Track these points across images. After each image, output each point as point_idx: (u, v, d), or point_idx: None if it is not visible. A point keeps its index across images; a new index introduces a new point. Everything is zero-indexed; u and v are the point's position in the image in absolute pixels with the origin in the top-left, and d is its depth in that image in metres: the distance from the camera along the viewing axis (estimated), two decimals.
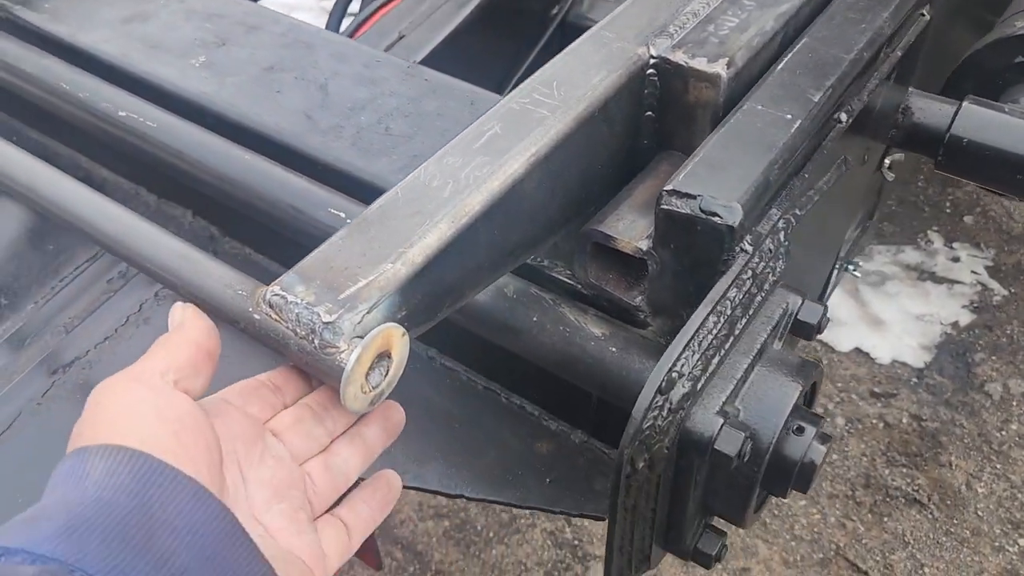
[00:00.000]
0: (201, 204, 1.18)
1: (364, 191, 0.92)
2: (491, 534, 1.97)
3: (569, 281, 0.82)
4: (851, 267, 1.25)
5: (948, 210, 2.65)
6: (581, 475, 0.92)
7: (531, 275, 0.83)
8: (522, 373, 0.96)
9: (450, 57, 1.49)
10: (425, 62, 1.40)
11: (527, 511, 2.01)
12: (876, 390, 2.22)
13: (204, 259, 0.64)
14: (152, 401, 0.52)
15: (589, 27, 0.84)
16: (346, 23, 1.70)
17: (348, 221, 0.84)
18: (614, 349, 0.76)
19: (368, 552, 1.16)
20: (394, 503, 0.67)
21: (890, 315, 2.38)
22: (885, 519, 1.97)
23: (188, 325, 0.58)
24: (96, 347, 1.08)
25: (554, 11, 1.69)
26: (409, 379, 1.01)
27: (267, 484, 0.57)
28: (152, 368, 0.54)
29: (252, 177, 0.93)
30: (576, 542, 1.95)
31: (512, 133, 0.71)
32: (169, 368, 0.55)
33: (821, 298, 1.23)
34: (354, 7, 1.84)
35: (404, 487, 0.93)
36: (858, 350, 2.31)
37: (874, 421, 2.15)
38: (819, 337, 2.30)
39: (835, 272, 1.21)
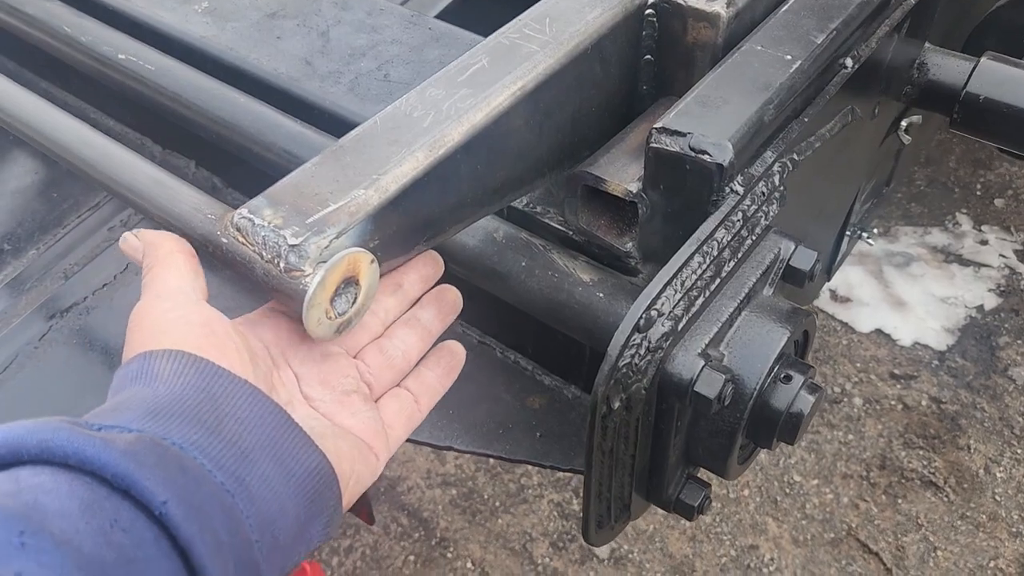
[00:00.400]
0: (204, 154, 1.17)
1: None
2: (498, 503, 1.96)
3: (561, 227, 0.80)
4: (864, 234, 1.21)
5: (979, 192, 2.59)
6: (572, 430, 0.91)
7: (522, 221, 0.82)
8: (517, 328, 0.95)
9: (464, 13, 1.47)
10: (440, 18, 1.38)
11: (535, 482, 2.00)
12: (896, 372, 2.17)
13: (175, 183, 0.63)
14: (178, 314, 0.55)
15: None
16: None
17: None
18: (602, 295, 0.74)
19: (363, 509, 1.15)
20: (458, 371, 0.69)
21: (913, 297, 2.33)
22: (899, 501, 1.93)
23: (157, 240, 0.59)
24: (94, 293, 1.08)
25: None
26: None
27: (318, 376, 0.61)
28: (168, 286, 0.57)
29: (247, 120, 0.92)
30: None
31: (499, 67, 0.69)
32: (180, 283, 0.57)
33: (831, 264, 1.20)
34: None
35: None
36: (879, 331, 2.27)
37: (892, 403, 2.11)
38: (839, 317, 2.27)
39: (847, 239, 1.18)
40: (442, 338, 0.99)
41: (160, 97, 0.99)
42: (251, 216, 0.56)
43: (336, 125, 0.94)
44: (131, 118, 1.22)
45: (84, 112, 1.25)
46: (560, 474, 2.05)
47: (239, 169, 1.10)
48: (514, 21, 0.74)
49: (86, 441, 0.44)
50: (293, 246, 0.54)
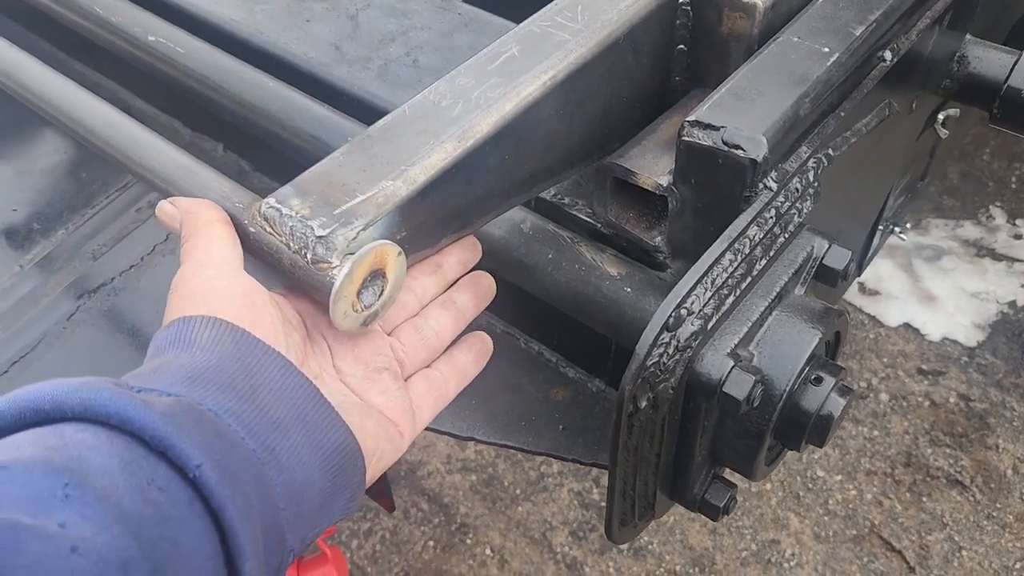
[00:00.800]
0: (231, 137, 1.17)
1: None
2: (518, 491, 1.96)
3: (589, 220, 0.79)
4: (897, 229, 1.19)
5: (1013, 185, 2.54)
6: (596, 424, 0.90)
7: (550, 212, 0.81)
8: (542, 319, 0.94)
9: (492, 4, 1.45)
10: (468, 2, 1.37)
11: (556, 471, 2.00)
12: (924, 367, 2.14)
13: (203, 170, 0.63)
14: (222, 282, 0.56)
15: None
16: None
17: None
18: (629, 290, 0.73)
19: (383, 495, 1.16)
20: (487, 359, 0.70)
21: (944, 291, 2.29)
22: (924, 499, 1.91)
23: (195, 208, 0.59)
24: (122, 274, 1.08)
25: None
26: None
27: (351, 350, 0.61)
28: (211, 255, 0.57)
29: (275, 105, 0.92)
30: (603, 503, 1.93)
31: (529, 56, 0.68)
32: (223, 252, 0.57)
33: (863, 258, 1.18)
34: None
35: None
36: (907, 325, 2.23)
37: (919, 399, 2.08)
38: (867, 310, 2.24)
39: (879, 233, 1.16)
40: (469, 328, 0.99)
41: (189, 80, 0.99)
42: (278, 206, 0.56)
43: (364, 111, 0.93)
44: (161, 100, 1.22)
45: (115, 93, 1.25)
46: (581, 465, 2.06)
47: (266, 153, 1.10)
48: (545, 9, 0.73)
49: (127, 402, 0.45)
50: (320, 237, 0.54)
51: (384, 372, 0.61)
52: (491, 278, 0.70)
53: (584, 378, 0.93)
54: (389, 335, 0.64)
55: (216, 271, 0.56)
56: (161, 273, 1.08)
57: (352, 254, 0.54)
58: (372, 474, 0.58)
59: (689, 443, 0.65)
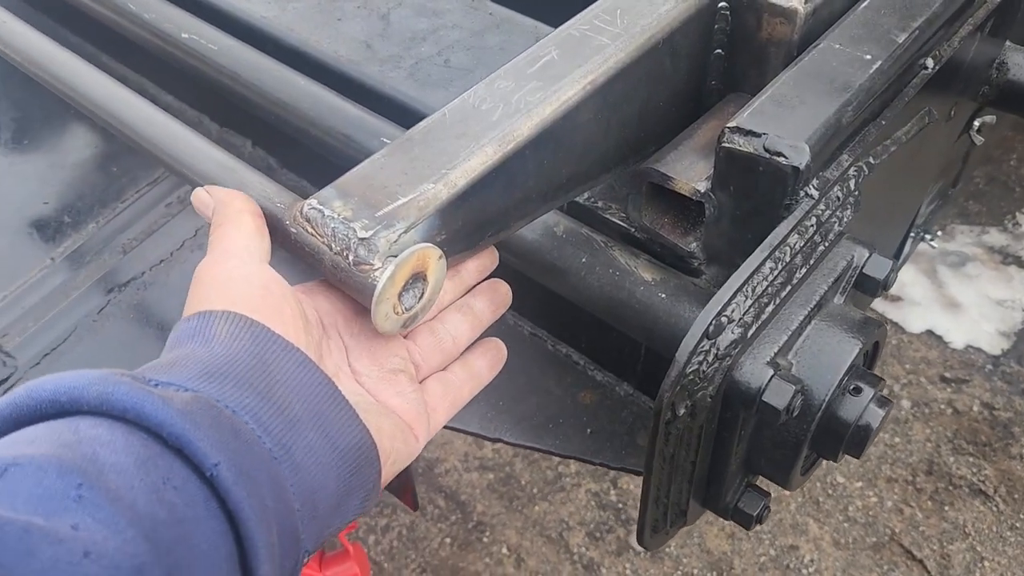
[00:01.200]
0: (260, 134, 1.17)
1: (418, 122, 0.90)
2: (535, 490, 1.96)
3: (623, 224, 0.79)
4: (928, 236, 1.18)
5: None
6: (624, 428, 0.90)
7: (583, 215, 0.80)
8: (571, 321, 0.94)
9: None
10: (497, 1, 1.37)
11: (573, 470, 1.99)
12: (947, 375, 2.12)
13: (245, 170, 0.63)
14: (242, 272, 0.55)
15: None
16: None
17: None
18: (663, 296, 0.73)
19: (407, 493, 1.16)
20: (501, 366, 0.70)
21: (968, 298, 2.27)
22: (946, 508, 1.90)
23: (228, 198, 0.59)
24: (151, 269, 1.09)
25: None
26: None
27: (368, 351, 0.61)
28: (236, 244, 0.57)
29: (306, 103, 0.92)
30: (620, 505, 1.93)
31: (569, 59, 0.67)
32: (248, 242, 0.57)
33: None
34: None
35: (443, 427, 0.93)
36: (931, 332, 2.22)
37: (942, 407, 2.07)
38: (890, 316, 2.22)
39: (910, 240, 1.15)
40: (493, 329, 0.98)
41: (220, 76, 0.99)
42: (321, 207, 0.56)
43: (395, 110, 0.93)
44: (190, 95, 1.23)
45: (144, 88, 1.25)
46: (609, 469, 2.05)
47: (295, 150, 1.10)
48: (584, 12, 0.73)
49: (145, 398, 0.45)
50: (363, 239, 0.54)
51: (400, 374, 0.61)
52: (508, 287, 0.70)
53: (612, 382, 0.93)
54: (405, 337, 0.64)
55: (239, 261, 0.56)
56: (190, 268, 1.08)
57: (394, 256, 0.54)
58: (386, 475, 0.58)
59: (725, 451, 0.65)
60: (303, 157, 1.12)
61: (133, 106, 0.72)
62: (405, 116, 0.92)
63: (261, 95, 0.96)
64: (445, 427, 0.92)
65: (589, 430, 0.90)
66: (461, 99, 0.65)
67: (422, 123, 0.63)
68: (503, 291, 0.70)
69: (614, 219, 0.79)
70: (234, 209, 0.59)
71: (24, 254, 1.11)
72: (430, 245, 0.56)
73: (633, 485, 1.95)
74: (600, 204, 0.80)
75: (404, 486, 1.13)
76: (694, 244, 0.73)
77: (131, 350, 1.02)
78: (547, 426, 0.91)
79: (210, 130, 1.21)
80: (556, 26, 1.02)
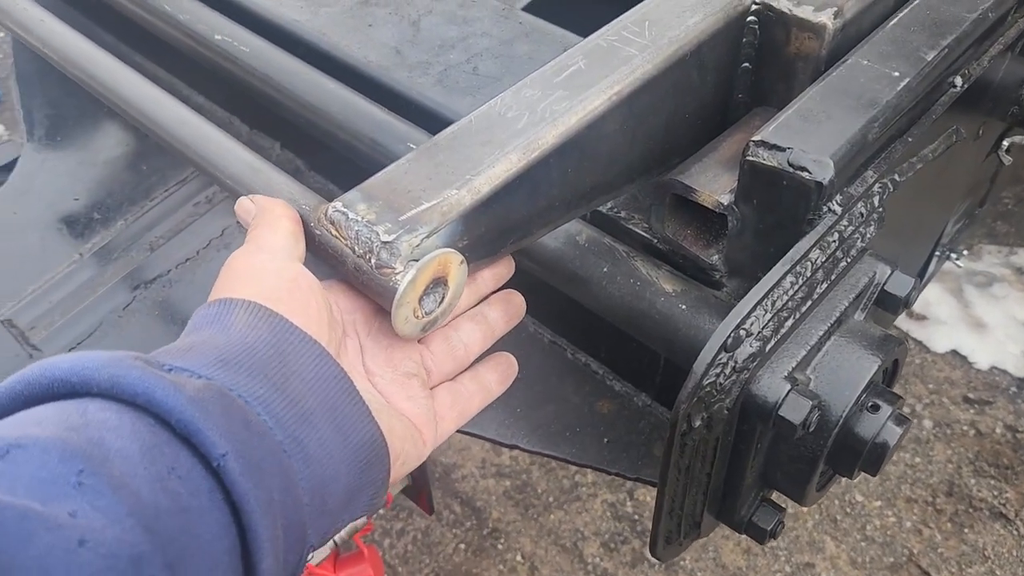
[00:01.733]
0: (289, 136, 1.19)
1: (444, 128, 0.91)
2: (551, 499, 1.96)
3: (645, 234, 0.79)
4: (954, 255, 1.17)
5: None
6: (641, 438, 0.89)
7: (606, 225, 0.81)
8: (591, 330, 0.94)
9: (551, 10, 1.46)
10: (527, 10, 1.38)
11: (590, 480, 1.99)
12: (970, 396, 2.10)
13: (272, 171, 0.64)
14: (273, 266, 0.56)
15: None
16: None
17: None
18: (684, 307, 0.73)
19: (422, 497, 1.16)
20: (511, 381, 0.70)
21: (994, 318, 2.24)
22: (965, 530, 1.87)
23: (270, 205, 0.60)
24: (177, 267, 1.10)
25: None
26: None
27: (383, 352, 0.61)
28: (269, 242, 0.58)
29: (335, 106, 0.93)
30: (636, 516, 1.92)
31: (596, 69, 0.68)
32: (283, 241, 0.58)
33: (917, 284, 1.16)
34: None
35: (460, 432, 0.93)
36: (955, 352, 2.19)
37: (964, 428, 2.04)
38: (914, 334, 2.20)
39: (935, 259, 1.14)
40: (512, 336, 0.99)
41: (252, 79, 1.01)
42: (345, 210, 0.57)
43: (422, 116, 0.94)
44: (221, 96, 1.24)
45: (175, 88, 1.27)
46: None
47: (323, 153, 1.11)
48: (612, 23, 0.73)
49: (156, 383, 0.44)
50: (385, 243, 0.54)
51: (413, 378, 0.61)
52: (522, 298, 0.70)
53: (630, 392, 0.93)
54: (420, 342, 0.64)
55: (271, 255, 0.56)
56: (216, 267, 1.09)
57: (416, 260, 0.54)
58: (395, 476, 0.58)
59: (740, 465, 0.65)
60: (331, 160, 1.13)
61: (165, 106, 0.73)
62: (432, 122, 0.93)
63: (291, 98, 0.97)
64: (462, 432, 0.93)
65: (606, 439, 0.90)
66: (487, 106, 0.65)
67: (448, 129, 0.64)
68: (517, 302, 0.70)
69: (637, 229, 0.79)
70: (274, 214, 0.59)
71: (54, 249, 1.13)
72: (451, 250, 0.56)
73: (650, 497, 1.95)
74: (623, 214, 0.80)
75: (420, 490, 1.14)
76: (716, 256, 0.73)
77: (154, 346, 1.03)
78: (564, 434, 0.91)
79: (240, 131, 1.22)
80: (586, 36, 1.03)
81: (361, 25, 1.04)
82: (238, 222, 1.16)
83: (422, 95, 0.95)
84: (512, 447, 0.90)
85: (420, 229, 0.56)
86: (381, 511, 1.89)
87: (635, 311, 0.75)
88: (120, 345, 1.03)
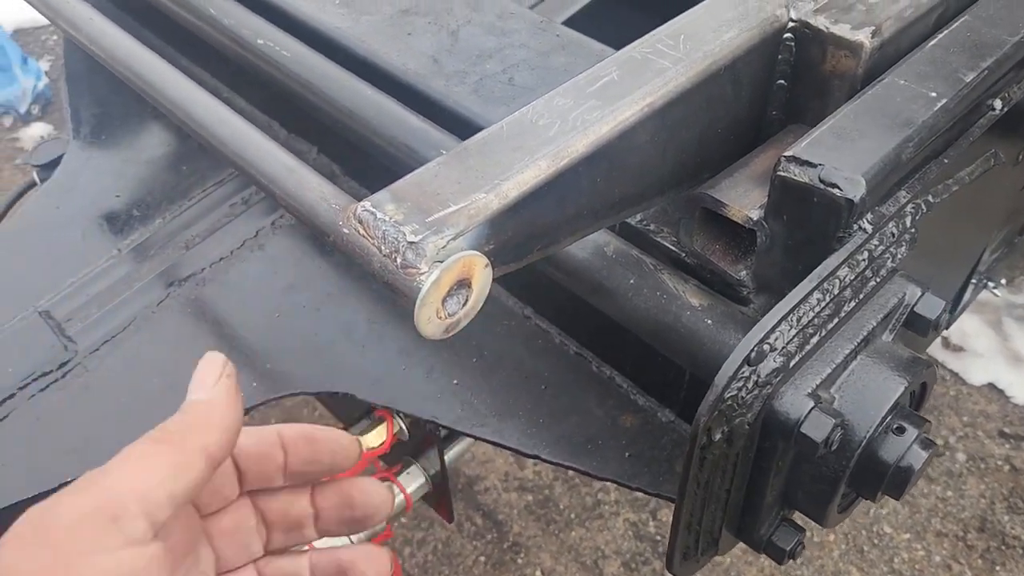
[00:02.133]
0: (326, 141, 1.20)
1: None
2: (573, 515, 1.95)
3: (673, 248, 0.79)
4: (991, 284, 1.15)
5: None
6: (664, 454, 0.89)
7: (634, 237, 0.81)
8: (617, 344, 0.93)
9: (591, 24, 1.47)
10: (567, 24, 1.38)
11: (612, 498, 1.98)
12: (1006, 430, 2.05)
13: (304, 171, 0.65)
14: (98, 563, 0.37)
15: None
16: None
17: None
18: (710, 322, 0.72)
19: (443, 506, 1.16)
20: None
21: None
22: (997, 568, 1.83)
23: (216, 413, 0.46)
24: (211, 266, 1.12)
25: None
26: (501, 334, 1.00)
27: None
28: (128, 487, 0.39)
29: (372, 112, 0.94)
30: (658, 537, 1.90)
31: (629, 81, 0.68)
32: (153, 499, 0.40)
33: (953, 312, 1.14)
34: None
35: (483, 440, 0.93)
36: (992, 386, 2.15)
37: (999, 463, 2.00)
38: (950, 365, 2.16)
39: (971, 286, 1.12)
40: (539, 348, 0.99)
41: (292, 83, 1.02)
42: (373, 210, 0.57)
43: (458, 124, 0.95)
44: (261, 100, 1.26)
45: (217, 90, 1.30)
46: (638, 494, 2.03)
47: (359, 158, 1.13)
48: (647, 36, 0.73)
49: None
50: (411, 243, 0.55)
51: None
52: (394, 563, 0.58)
53: (654, 407, 0.92)
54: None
55: (104, 535, 0.37)
56: (249, 267, 1.12)
57: (441, 262, 0.55)
58: None
59: (761, 482, 0.64)
60: (366, 165, 1.15)
61: (206, 105, 0.75)
62: (467, 130, 0.93)
63: (330, 103, 0.99)
64: (484, 440, 0.93)
65: (628, 454, 0.89)
66: (520, 113, 0.66)
67: (479, 135, 0.64)
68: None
69: (665, 242, 0.79)
70: (199, 439, 0.43)
71: (93, 244, 1.15)
72: (476, 253, 0.56)
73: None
74: (652, 227, 0.80)
75: (441, 498, 1.14)
76: (744, 272, 0.73)
77: (185, 343, 1.05)
78: (586, 446, 0.90)
79: (279, 135, 1.24)
80: None
81: (400, 33, 1.06)
82: (273, 223, 1.19)
83: (458, 103, 0.96)
84: (534, 457, 0.90)
85: (446, 231, 0.56)
86: (403, 519, 1.89)
87: (661, 324, 0.74)
88: (152, 341, 1.05)
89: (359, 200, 0.61)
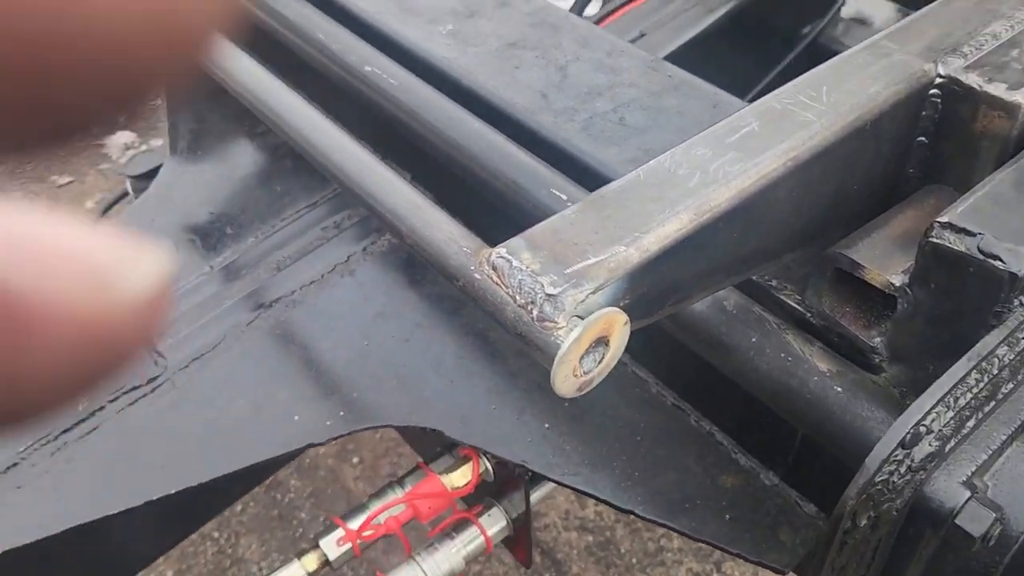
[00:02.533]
0: (420, 169, 1.19)
1: (588, 177, 0.89)
2: (634, 560, 1.89)
3: (797, 307, 0.75)
4: None
5: None
6: (767, 520, 0.84)
7: (755, 293, 0.77)
8: (720, 399, 0.90)
9: (689, 62, 1.44)
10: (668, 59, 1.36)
11: (676, 546, 1.92)
12: None
13: (432, 210, 0.63)
14: None
15: (840, 51, 0.77)
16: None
17: (568, 203, 0.81)
18: (839, 390, 0.68)
19: (521, 548, 1.13)
20: None
21: None
22: None
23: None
24: (301, 288, 1.11)
25: (805, 30, 1.59)
26: None
27: None
28: None
29: (477, 145, 0.92)
30: None
31: (770, 133, 0.65)
32: None
33: None
34: (592, 8, 1.82)
35: (574, 490, 0.90)
36: None
37: None
38: None
39: None
40: (632, 396, 0.95)
41: (397, 111, 1.01)
42: (509, 257, 0.55)
43: (565, 162, 0.92)
44: (357, 124, 1.26)
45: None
46: (701, 543, 1.97)
47: (452, 189, 1.11)
48: (787, 86, 0.70)
49: None
50: (550, 296, 0.52)
51: None
52: None
53: (756, 468, 0.88)
54: None
55: None
56: (338, 292, 1.10)
57: (580, 317, 0.52)
58: None
59: (898, 570, 0.60)
60: (457, 195, 1.13)
61: (327, 133, 0.74)
62: (575, 170, 0.91)
63: (433, 132, 0.97)
64: (575, 490, 0.90)
65: (728, 516, 0.85)
66: (656, 162, 0.63)
67: (615, 183, 0.61)
68: None
69: (789, 301, 0.75)
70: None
71: (186, 260, 1.15)
72: (617, 309, 0.54)
73: (738, 572, 1.86)
74: (774, 283, 0.77)
75: (519, 539, 1.10)
76: (878, 339, 0.69)
77: (273, 364, 1.04)
78: (683, 505, 0.86)
79: None
80: (735, 94, 1.01)
81: (508, 67, 1.04)
82: (364, 249, 1.17)
83: (567, 141, 0.94)
84: (628, 512, 0.87)
85: (586, 284, 0.53)
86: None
87: (785, 387, 0.71)
88: (241, 361, 1.04)
89: (490, 245, 0.59)
